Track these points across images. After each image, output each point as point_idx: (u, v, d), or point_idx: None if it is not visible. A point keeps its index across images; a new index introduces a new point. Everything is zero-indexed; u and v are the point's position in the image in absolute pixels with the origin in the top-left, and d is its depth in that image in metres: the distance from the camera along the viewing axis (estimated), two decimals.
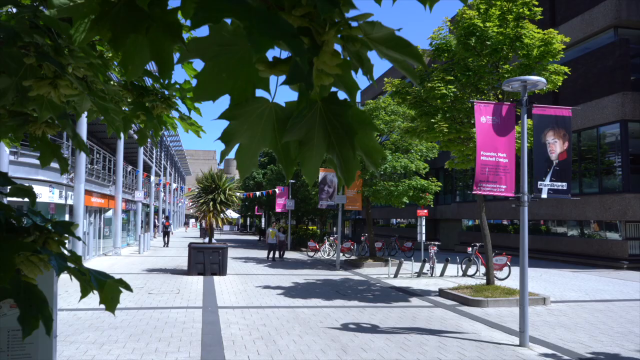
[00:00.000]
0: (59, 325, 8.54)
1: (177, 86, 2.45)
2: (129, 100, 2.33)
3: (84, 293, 1.41)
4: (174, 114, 2.44)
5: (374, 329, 8.87)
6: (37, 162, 10.64)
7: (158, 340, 7.76)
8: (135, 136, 2.54)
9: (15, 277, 1.28)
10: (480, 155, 8.36)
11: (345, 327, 9.01)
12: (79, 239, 1.62)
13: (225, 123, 1.01)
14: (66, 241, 1.47)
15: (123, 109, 2.28)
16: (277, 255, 23.40)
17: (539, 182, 8.31)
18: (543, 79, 8.14)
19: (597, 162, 22.42)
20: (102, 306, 1.48)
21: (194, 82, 2.46)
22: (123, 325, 8.69)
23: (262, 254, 27.06)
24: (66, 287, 13.12)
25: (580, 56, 22.80)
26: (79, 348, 7.20)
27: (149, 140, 2.42)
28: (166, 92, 2.45)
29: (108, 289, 1.40)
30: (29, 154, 14.04)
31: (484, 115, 8.42)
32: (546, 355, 7.41)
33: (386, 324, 9.29)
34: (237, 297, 12.12)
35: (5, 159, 12.59)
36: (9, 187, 1.57)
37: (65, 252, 1.41)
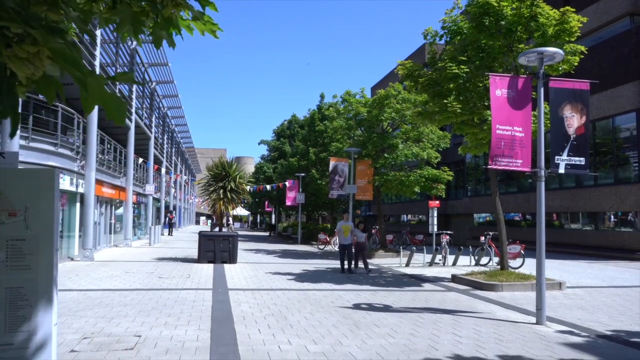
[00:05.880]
0: (68, 303, 8.50)
1: None
2: None
3: (88, 106, 1.28)
4: (187, 18, 2.30)
5: (386, 309, 8.71)
6: (48, 147, 10.72)
7: (168, 315, 7.67)
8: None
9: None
10: (496, 129, 8.15)
11: (357, 306, 8.86)
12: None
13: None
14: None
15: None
16: (352, 264, 14.53)
17: (556, 157, 8.09)
18: (560, 51, 7.92)
19: (612, 153, 22.02)
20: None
21: None
22: (133, 303, 8.61)
23: (272, 246, 26.97)
24: (76, 271, 13.14)
25: (595, 45, 22.39)
26: (88, 321, 7.12)
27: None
28: None
29: (113, 100, 1.28)
30: (40, 139, 14.04)
31: (499, 89, 8.21)
32: (564, 332, 7.20)
33: (399, 305, 9.13)
34: (247, 281, 12.02)
35: (17, 143, 12.59)
36: None
37: None
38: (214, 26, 2.37)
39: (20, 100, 1.24)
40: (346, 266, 14.41)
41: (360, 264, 14.84)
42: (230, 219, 45.38)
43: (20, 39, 1.19)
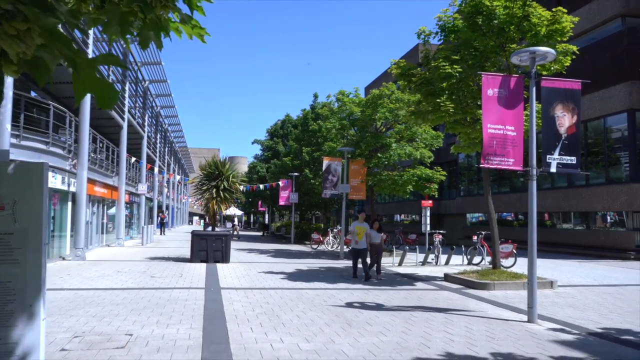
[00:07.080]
0: (59, 301, 8.44)
1: None
2: None
3: (80, 93, 1.27)
4: (176, 20, 2.29)
5: (378, 307, 8.72)
6: (40, 145, 10.66)
7: (160, 314, 7.64)
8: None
9: None
10: (488, 128, 8.19)
11: (349, 305, 8.86)
12: None
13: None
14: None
15: None
16: (367, 268, 12.64)
17: (548, 156, 8.13)
18: (552, 50, 7.97)
19: (603, 153, 22.19)
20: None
21: None
22: (124, 302, 8.57)
23: (266, 246, 26.93)
24: (68, 270, 13.06)
25: (587, 46, 22.53)
26: (79, 320, 7.08)
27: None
28: None
29: (104, 86, 1.27)
30: (32, 137, 13.94)
31: (491, 88, 8.25)
32: (555, 329, 7.25)
33: (391, 303, 9.14)
34: (240, 280, 11.99)
35: (7, 141, 12.49)
36: None
37: None
38: (201, 30, 2.36)
39: (7, 79, 1.23)
40: (360, 265, 12.74)
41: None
42: (236, 219, 44.89)
43: (10, 15, 1.18)
